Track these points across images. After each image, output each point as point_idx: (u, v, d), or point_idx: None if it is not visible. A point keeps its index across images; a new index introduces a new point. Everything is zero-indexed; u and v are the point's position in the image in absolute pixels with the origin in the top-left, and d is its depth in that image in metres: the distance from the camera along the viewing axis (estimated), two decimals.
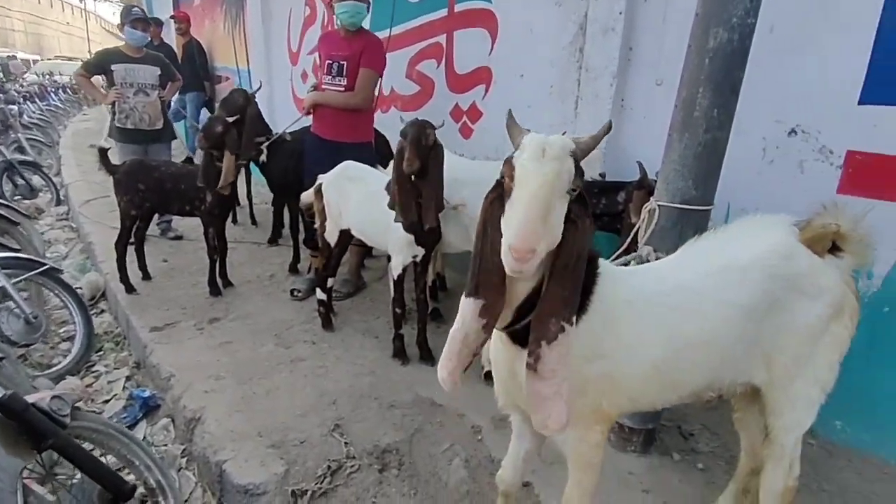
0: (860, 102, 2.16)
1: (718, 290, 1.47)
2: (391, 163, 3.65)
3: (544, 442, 1.68)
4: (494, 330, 1.40)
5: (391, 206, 2.60)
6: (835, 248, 1.55)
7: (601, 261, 1.42)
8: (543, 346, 1.22)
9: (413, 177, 2.53)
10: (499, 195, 1.23)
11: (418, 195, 2.57)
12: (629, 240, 2.09)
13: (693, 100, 1.87)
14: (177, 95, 6.12)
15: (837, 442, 2.37)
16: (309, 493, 2.08)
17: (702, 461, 2.27)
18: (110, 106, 4.47)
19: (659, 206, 1.99)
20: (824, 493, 2.13)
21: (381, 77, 3.61)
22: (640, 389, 1.48)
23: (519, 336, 1.33)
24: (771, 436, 1.65)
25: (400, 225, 2.66)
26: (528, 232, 1.12)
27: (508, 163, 1.20)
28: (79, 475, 1.80)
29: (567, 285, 1.22)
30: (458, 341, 1.30)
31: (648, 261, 1.96)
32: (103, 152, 3.58)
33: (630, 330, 1.41)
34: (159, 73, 4.53)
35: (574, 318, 1.23)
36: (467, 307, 1.27)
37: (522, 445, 1.70)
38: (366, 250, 3.83)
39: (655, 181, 2.11)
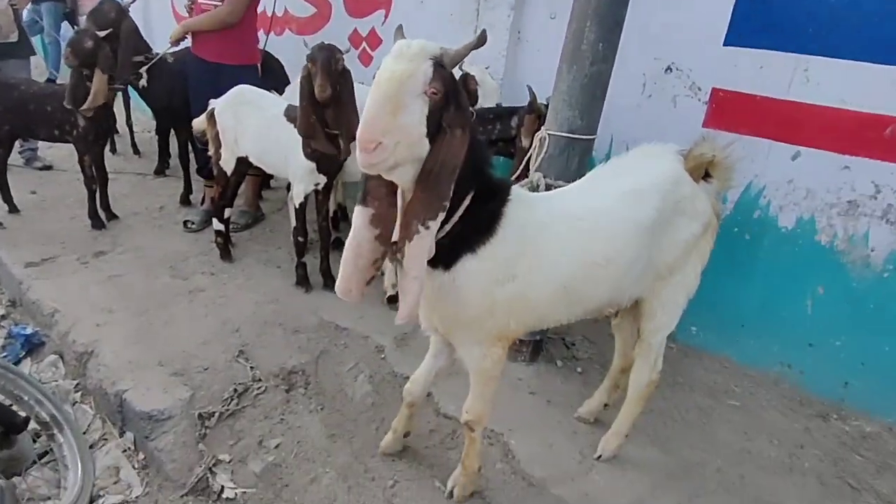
0: (725, 44, 2.41)
1: (623, 211, 1.62)
2: (287, 88, 3.53)
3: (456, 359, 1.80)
4: None
5: (301, 134, 2.54)
6: (706, 175, 1.77)
7: (514, 188, 1.52)
8: (407, 244, 1.31)
9: (323, 104, 2.47)
10: None
11: (325, 124, 2.52)
12: (521, 167, 2.23)
13: (581, 33, 2.00)
14: (29, 5, 5.36)
15: (692, 344, 2.76)
16: (216, 414, 2.13)
17: (581, 366, 2.57)
18: None
19: (549, 134, 2.14)
20: (678, 385, 2.52)
21: None
22: (549, 308, 1.62)
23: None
24: (642, 336, 1.90)
25: (301, 152, 2.62)
26: (370, 122, 1.19)
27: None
28: None
29: (429, 189, 1.29)
30: (352, 249, 1.37)
31: (539, 186, 2.12)
32: None
33: (543, 252, 1.53)
34: None
35: (431, 224, 1.30)
36: (358, 216, 1.35)
37: (437, 363, 1.83)
38: (262, 180, 3.72)
39: (546, 105, 2.24)
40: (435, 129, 1.26)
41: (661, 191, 1.66)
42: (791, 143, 2.33)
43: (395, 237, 1.40)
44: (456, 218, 1.37)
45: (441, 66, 1.24)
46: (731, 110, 2.43)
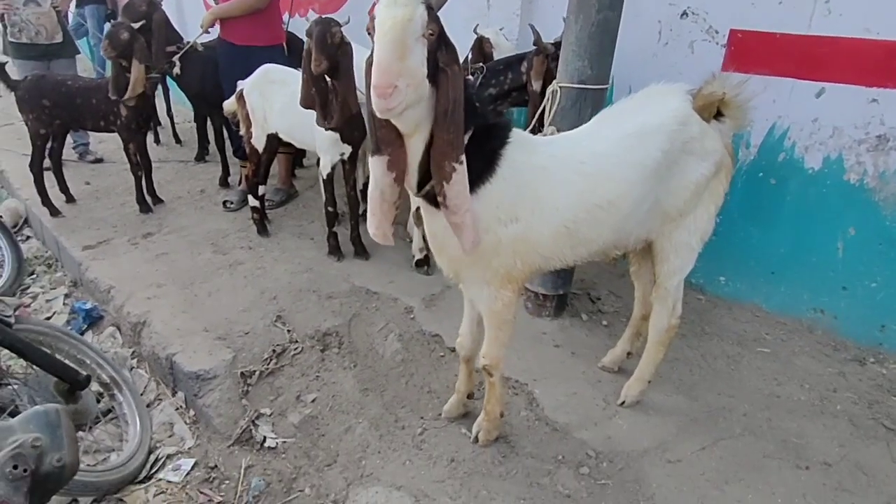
0: None
1: (628, 153, 1.62)
2: None
3: None
4: (421, 203, 1.53)
5: (303, 106, 2.62)
6: (718, 115, 1.74)
7: (515, 130, 1.55)
8: (445, 186, 1.38)
9: (326, 77, 2.54)
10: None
11: (326, 95, 2.58)
12: (534, 120, 2.25)
13: None
14: (73, 8, 5.65)
15: (721, 295, 2.74)
16: (257, 373, 2.28)
17: (606, 319, 2.60)
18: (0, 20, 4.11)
19: (560, 87, 2.15)
20: (706, 334, 2.51)
21: None
22: (553, 249, 1.65)
23: (432, 198, 1.47)
24: (658, 281, 1.90)
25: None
26: (384, 67, 1.23)
27: (371, 18, 1.29)
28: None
29: (450, 129, 1.35)
30: (377, 198, 1.45)
31: None
32: (0, 66, 3.37)
33: (544, 194, 1.55)
34: None
35: (462, 158, 1.37)
36: (376, 165, 1.42)
37: (476, 310, 1.84)
38: (294, 157, 3.85)
39: (553, 44, 2.22)
40: (433, 70, 1.31)
41: (667, 131, 1.64)
42: (814, 79, 2.25)
43: (411, 185, 1.46)
44: None
45: (431, 9, 1.29)
46: (750, 51, 2.36)
